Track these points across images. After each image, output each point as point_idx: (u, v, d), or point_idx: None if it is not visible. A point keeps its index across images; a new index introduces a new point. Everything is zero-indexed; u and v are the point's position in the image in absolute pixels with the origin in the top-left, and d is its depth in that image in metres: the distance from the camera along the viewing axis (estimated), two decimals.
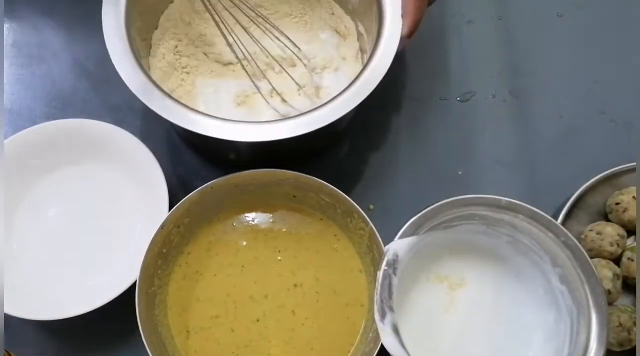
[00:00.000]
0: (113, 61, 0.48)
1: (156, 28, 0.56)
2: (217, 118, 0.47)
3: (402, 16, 0.49)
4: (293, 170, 0.50)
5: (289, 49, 0.56)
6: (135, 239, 0.54)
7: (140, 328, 0.47)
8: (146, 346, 0.46)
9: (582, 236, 0.55)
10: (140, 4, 0.52)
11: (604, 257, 0.53)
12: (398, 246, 0.47)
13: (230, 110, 0.54)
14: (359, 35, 0.57)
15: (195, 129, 0.46)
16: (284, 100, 0.55)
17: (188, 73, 0.56)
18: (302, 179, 0.51)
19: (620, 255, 0.54)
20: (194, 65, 0.56)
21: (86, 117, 0.56)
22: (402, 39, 0.49)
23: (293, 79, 0.55)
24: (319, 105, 0.47)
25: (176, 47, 0.56)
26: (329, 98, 0.48)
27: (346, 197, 0.50)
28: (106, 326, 0.53)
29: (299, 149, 0.57)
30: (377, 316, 0.45)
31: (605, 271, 0.52)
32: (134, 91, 0.47)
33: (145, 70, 0.48)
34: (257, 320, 0.51)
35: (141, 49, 0.52)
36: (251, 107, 0.55)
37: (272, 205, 0.55)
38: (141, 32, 0.53)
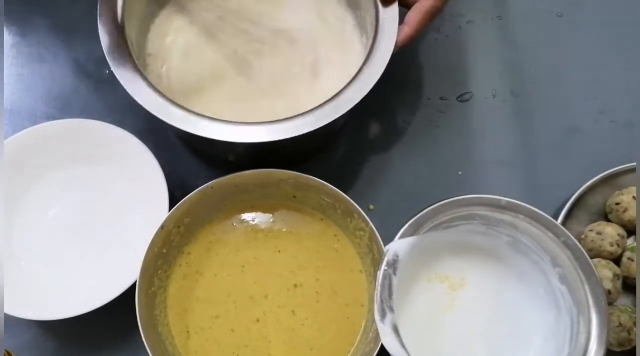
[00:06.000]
0: (108, 60, 0.47)
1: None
2: (214, 120, 0.46)
3: (402, 24, 0.49)
4: (293, 170, 0.50)
5: None
6: (135, 239, 0.54)
7: (140, 328, 0.47)
8: (146, 346, 0.46)
9: (582, 236, 0.54)
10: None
11: (604, 257, 0.53)
12: (398, 246, 0.47)
13: None
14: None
15: (191, 130, 0.46)
16: None
17: None
18: (302, 179, 0.51)
19: (620, 255, 0.54)
20: None
21: (86, 117, 0.56)
22: (395, 45, 0.48)
23: None
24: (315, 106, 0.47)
25: None
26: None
27: (346, 197, 0.50)
28: (106, 326, 0.53)
29: (297, 149, 0.56)
30: (377, 316, 0.45)
31: (605, 271, 0.52)
32: (129, 91, 0.46)
33: (141, 69, 0.48)
34: (257, 320, 0.51)
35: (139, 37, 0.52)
36: None
37: (272, 205, 0.55)
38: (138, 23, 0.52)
